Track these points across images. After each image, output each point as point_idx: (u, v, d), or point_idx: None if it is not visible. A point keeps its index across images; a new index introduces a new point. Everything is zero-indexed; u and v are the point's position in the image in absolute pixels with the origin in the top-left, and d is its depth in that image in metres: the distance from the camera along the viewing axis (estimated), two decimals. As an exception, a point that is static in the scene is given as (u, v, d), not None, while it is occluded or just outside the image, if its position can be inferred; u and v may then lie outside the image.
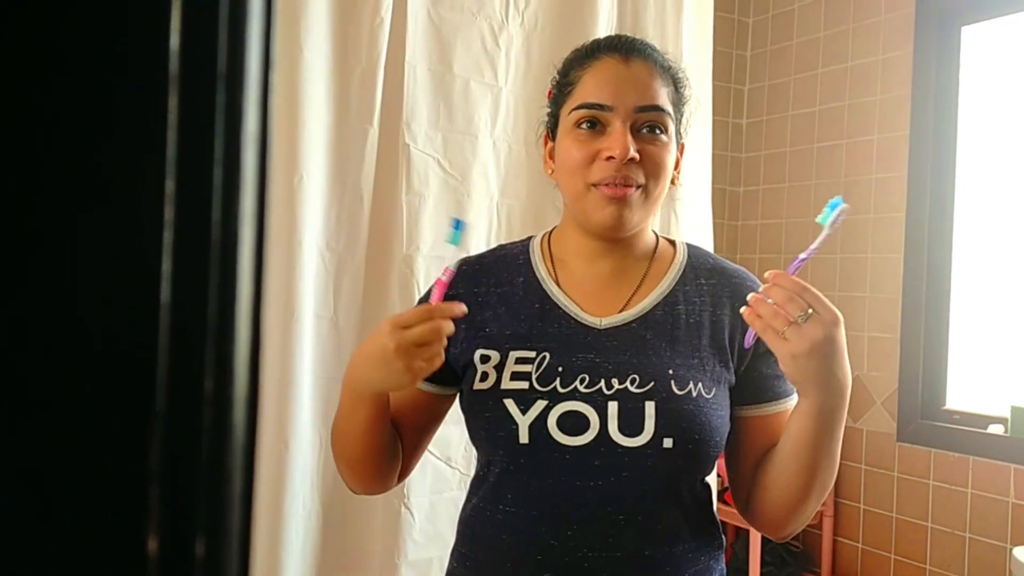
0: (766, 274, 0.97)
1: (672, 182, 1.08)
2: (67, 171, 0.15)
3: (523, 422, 1.01)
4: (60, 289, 0.15)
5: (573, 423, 1.00)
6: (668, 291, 1.09)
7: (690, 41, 2.27)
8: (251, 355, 0.19)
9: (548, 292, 1.09)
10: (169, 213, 0.16)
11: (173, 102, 0.16)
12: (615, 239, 1.08)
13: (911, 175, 2.94)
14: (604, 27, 2.13)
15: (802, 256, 1.00)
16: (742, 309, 0.97)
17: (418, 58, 1.91)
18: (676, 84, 1.09)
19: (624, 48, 1.06)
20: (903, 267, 2.95)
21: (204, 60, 0.17)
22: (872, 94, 3.08)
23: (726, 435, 1.05)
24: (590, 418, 1.00)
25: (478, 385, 1.06)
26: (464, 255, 1.06)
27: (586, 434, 1.00)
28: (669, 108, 1.05)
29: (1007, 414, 2.68)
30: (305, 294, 1.77)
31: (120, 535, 0.16)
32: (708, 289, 1.10)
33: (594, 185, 1.03)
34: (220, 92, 0.17)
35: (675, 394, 1.01)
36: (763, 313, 0.94)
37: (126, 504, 0.16)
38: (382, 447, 1.09)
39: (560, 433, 1.00)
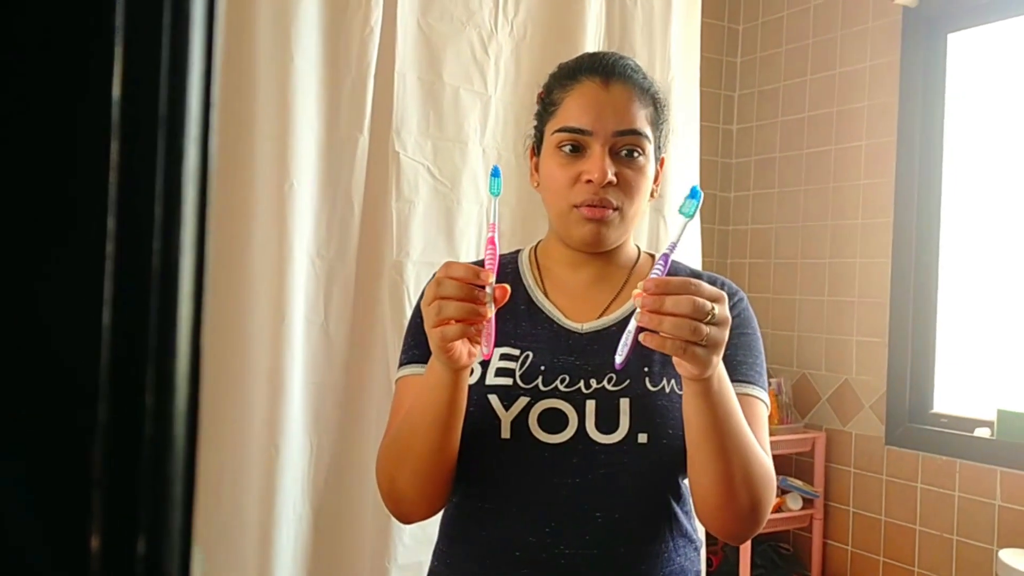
0: (642, 284, 0.86)
1: (651, 195, 1.12)
2: (19, 208, 0.17)
3: (505, 418, 1.04)
4: (12, 314, 0.17)
5: (553, 420, 1.04)
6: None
7: (678, 48, 2.29)
8: (191, 371, 0.20)
9: (534, 298, 1.14)
10: (110, 246, 0.18)
11: (115, 146, 0.18)
12: (600, 252, 1.13)
13: (898, 180, 2.97)
14: (593, 35, 2.15)
15: (666, 251, 0.91)
16: (642, 337, 0.87)
17: (408, 67, 1.93)
18: (655, 104, 1.12)
19: (605, 71, 1.09)
20: (891, 271, 2.98)
21: (145, 107, 0.19)
22: (860, 100, 3.11)
23: None
24: (569, 416, 1.04)
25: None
26: (495, 209, 1.01)
27: (565, 431, 1.04)
28: (647, 130, 1.08)
29: (993, 417, 2.70)
30: (296, 300, 1.79)
31: (64, 535, 0.18)
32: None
33: (575, 206, 1.07)
34: (161, 135, 0.19)
35: (649, 390, 1.04)
36: (667, 329, 0.84)
37: (70, 507, 0.18)
38: (451, 446, 1.03)
39: (540, 430, 1.04)
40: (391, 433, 1.10)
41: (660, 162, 1.14)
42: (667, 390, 1.05)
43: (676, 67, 2.29)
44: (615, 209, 1.06)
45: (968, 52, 2.92)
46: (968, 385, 2.89)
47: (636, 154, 1.07)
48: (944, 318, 2.93)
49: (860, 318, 3.08)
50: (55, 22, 0.17)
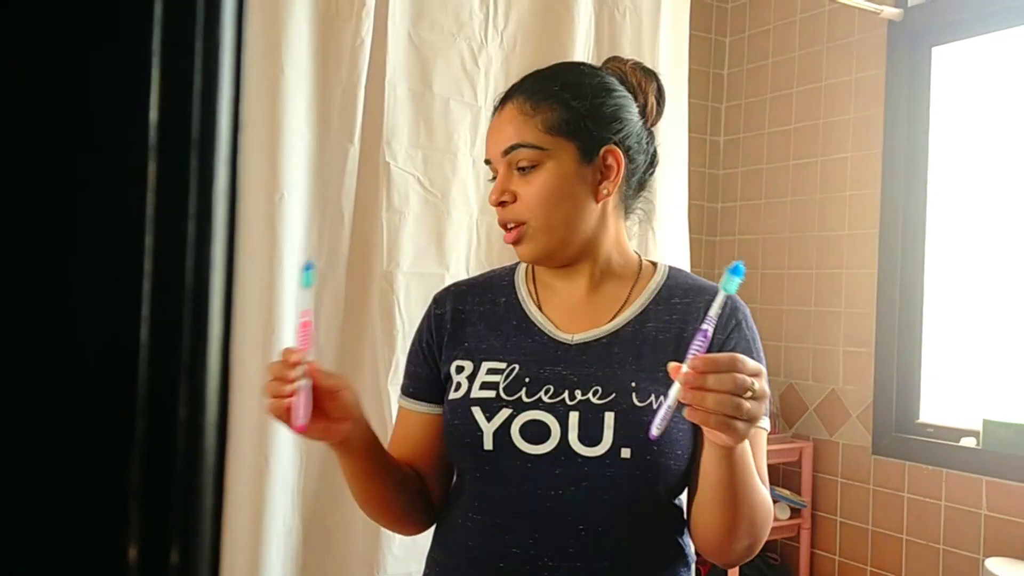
0: (690, 363, 0.86)
1: (602, 195, 1.10)
2: (65, 227, 0.17)
3: (487, 429, 1.05)
4: (55, 330, 0.17)
5: (535, 431, 1.04)
6: (640, 310, 1.12)
7: (666, 60, 2.31)
8: (221, 387, 0.21)
9: (526, 311, 1.14)
10: (148, 264, 0.19)
11: (152, 167, 0.19)
12: (563, 265, 1.14)
13: (884, 192, 2.99)
14: (582, 47, 2.17)
15: (705, 327, 0.89)
16: (685, 412, 0.86)
17: (398, 77, 1.94)
18: (567, 105, 1.08)
19: (505, 97, 1.13)
20: (877, 282, 3.00)
21: (179, 130, 0.19)
22: (846, 113, 3.14)
23: (690, 450, 1.06)
24: (551, 427, 1.04)
25: (451, 395, 1.11)
26: (310, 297, 1.10)
27: (547, 442, 1.04)
28: (536, 137, 1.07)
29: (979, 427, 2.72)
30: (286, 310, 1.79)
31: (103, 544, 0.18)
32: (681, 307, 1.12)
33: None
34: (194, 156, 0.20)
35: (635, 405, 1.04)
36: (710, 406, 0.84)
37: (109, 517, 0.18)
38: (389, 495, 1.13)
39: (523, 441, 1.04)
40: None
41: (604, 155, 1.09)
42: (654, 406, 1.04)
43: (664, 79, 2.30)
44: (520, 224, 1.08)
45: (953, 65, 2.96)
46: (954, 395, 2.91)
47: (526, 168, 1.07)
48: (930, 328, 2.96)
49: (846, 328, 3.10)
50: (102, 55, 0.18)
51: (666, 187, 2.27)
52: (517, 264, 1.23)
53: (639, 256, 1.19)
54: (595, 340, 1.10)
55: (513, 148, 1.08)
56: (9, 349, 0.17)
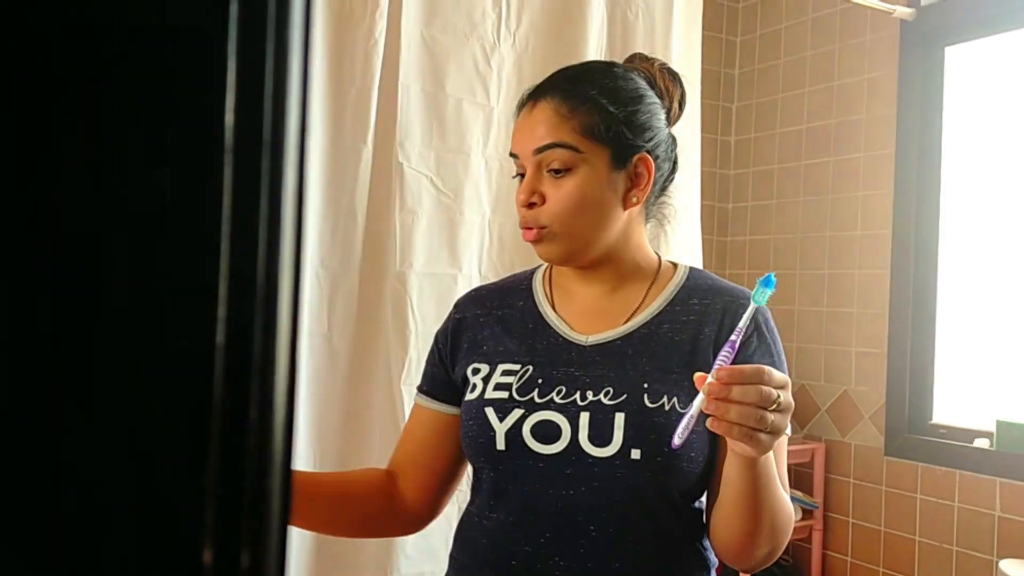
0: (715, 374, 0.86)
1: (631, 203, 1.09)
2: (145, 232, 0.17)
3: (500, 429, 1.06)
4: (140, 331, 0.17)
5: (546, 432, 1.05)
6: (657, 311, 1.11)
7: (679, 60, 2.30)
8: (288, 388, 0.21)
9: (542, 313, 1.15)
10: (224, 267, 0.19)
11: (228, 169, 0.19)
12: (583, 267, 1.13)
13: (897, 192, 2.98)
14: (594, 47, 2.17)
15: (733, 338, 0.91)
16: (708, 423, 0.87)
17: (411, 78, 1.94)
18: (602, 109, 1.07)
19: (536, 93, 1.11)
20: (889, 283, 2.99)
21: (252, 133, 0.19)
22: (858, 113, 3.13)
23: (705, 452, 1.05)
24: (562, 427, 1.04)
25: (467, 396, 1.13)
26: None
27: (558, 443, 1.04)
28: (572, 140, 1.05)
29: (992, 428, 2.71)
30: (300, 310, 1.79)
31: (182, 547, 0.18)
32: (699, 308, 1.11)
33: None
34: (265, 158, 0.20)
35: (646, 406, 1.03)
36: (733, 417, 0.84)
37: (187, 520, 0.18)
38: (339, 522, 1.22)
39: (534, 441, 1.05)
40: None
41: (636, 163, 1.09)
42: (666, 407, 1.02)
43: (677, 79, 2.30)
44: (543, 228, 1.06)
45: (966, 65, 2.94)
46: (967, 396, 2.90)
47: (559, 171, 1.05)
48: (943, 329, 2.94)
49: (859, 329, 3.09)
50: (182, 59, 0.18)
51: (678, 187, 2.26)
52: (537, 267, 1.24)
53: (659, 257, 1.18)
54: (609, 341, 1.09)
55: (548, 148, 1.05)
56: (95, 354, 0.17)
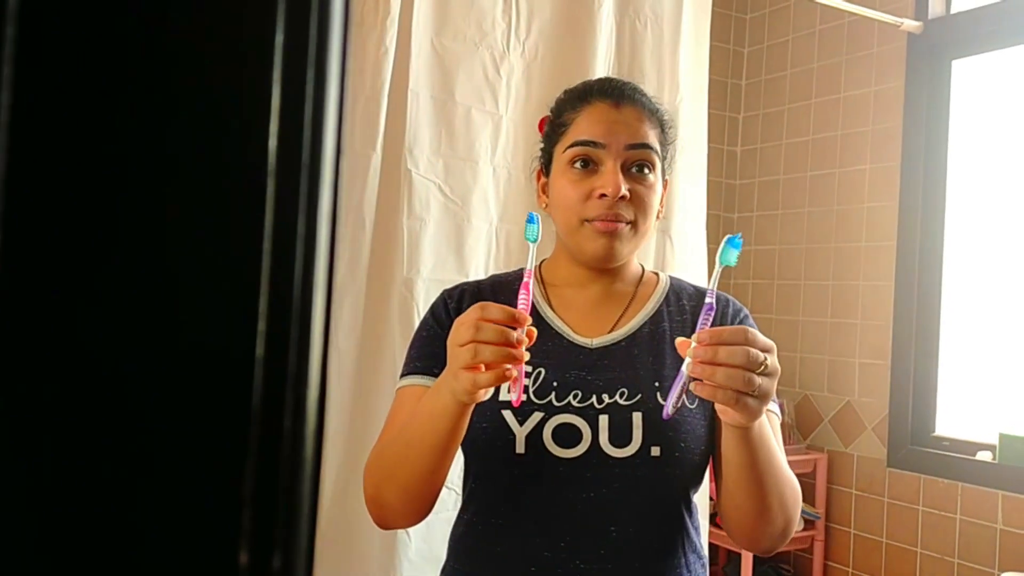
0: (698, 336, 0.86)
1: (656, 216, 1.15)
2: (194, 249, 0.18)
3: (520, 433, 1.05)
4: (187, 347, 0.18)
5: (567, 435, 1.05)
6: (654, 311, 1.15)
7: (687, 70, 2.32)
8: (319, 398, 0.22)
9: (543, 314, 1.15)
10: (265, 283, 0.20)
11: (271, 191, 0.20)
12: (604, 268, 1.14)
13: (902, 204, 2.99)
14: (603, 57, 2.18)
15: (709, 300, 0.90)
16: (693, 386, 0.87)
17: (421, 86, 1.95)
18: (663, 127, 1.15)
19: (615, 93, 1.12)
20: (894, 294, 3.00)
21: (293, 156, 0.20)
22: (864, 125, 3.14)
23: (712, 440, 1.08)
24: (583, 430, 1.05)
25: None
26: (532, 254, 1.01)
27: (579, 446, 1.05)
28: (657, 147, 1.12)
29: (995, 441, 2.71)
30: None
31: (222, 550, 0.19)
32: (691, 308, 1.16)
33: (588, 220, 1.09)
34: (303, 181, 0.21)
35: (661, 404, 1.05)
36: (720, 380, 0.84)
37: (226, 524, 0.19)
38: (444, 469, 1.03)
39: (555, 445, 1.05)
40: (384, 442, 1.09)
41: (664, 185, 1.17)
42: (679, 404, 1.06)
43: (685, 89, 2.32)
44: (628, 223, 1.08)
45: (972, 78, 2.95)
46: (970, 408, 2.91)
47: (647, 170, 1.10)
48: (947, 341, 2.95)
49: (863, 340, 3.10)
50: (233, 86, 0.19)
51: (684, 197, 2.27)
52: (522, 269, 1.23)
53: (641, 265, 1.23)
54: (614, 344, 1.11)
55: (644, 146, 1.10)
56: (147, 366, 0.18)
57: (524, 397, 1.02)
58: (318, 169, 0.21)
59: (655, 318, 1.14)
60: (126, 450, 0.19)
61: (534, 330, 0.91)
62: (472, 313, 0.89)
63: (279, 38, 0.19)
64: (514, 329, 0.88)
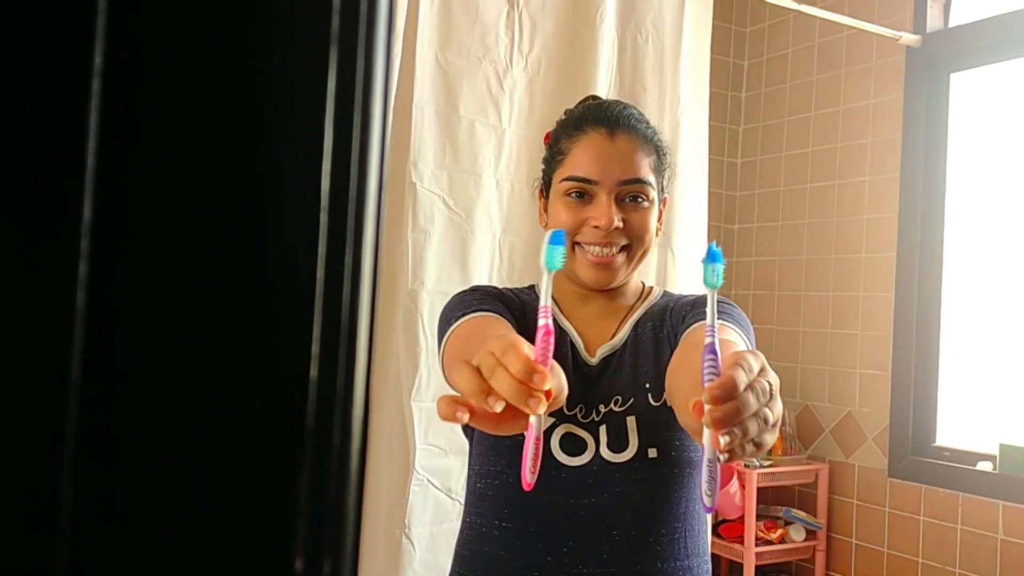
0: (709, 395, 0.69)
1: (656, 233, 1.17)
2: (257, 278, 0.20)
3: None
4: (250, 369, 0.20)
5: (572, 444, 1.08)
6: (640, 317, 1.18)
7: (687, 83, 2.34)
8: (364, 415, 0.24)
9: (558, 320, 1.16)
10: (318, 309, 0.21)
11: (323, 226, 0.22)
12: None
13: (902, 215, 3.01)
14: (605, 71, 2.20)
15: (709, 340, 0.75)
16: (723, 459, 0.71)
17: (425, 100, 1.98)
18: (658, 151, 1.17)
19: (610, 122, 1.14)
20: (894, 305, 3.01)
21: (342, 193, 0.22)
22: (863, 137, 3.16)
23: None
24: (587, 441, 1.08)
25: None
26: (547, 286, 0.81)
27: (583, 455, 1.08)
28: (651, 177, 1.13)
29: (995, 451, 2.73)
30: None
31: (280, 557, 0.21)
32: (677, 309, 1.16)
33: (580, 244, 1.11)
34: (351, 216, 0.22)
35: (652, 406, 1.08)
36: (740, 435, 0.70)
37: (285, 532, 0.21)
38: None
39: (561, 452, 1.08)
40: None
41: (663, 202, 1.19)
42: (669, 403, 1.06)
43: (685, 102, 2.34)
44: (623, 249, 1.11)
45: (970, 91, 2.98)
46: (971, 419, 2.92)
47: (640, 199, 1.12)
48: (947, 351, 2.96)
49: (863, 351, 3.11)
50: (294, 137, 0.21)
51: (686, 209, 2.29)
52: (531, 286, 1.26)
53: (643, 284, 1.26)
54: (611, 355, 1.15)
55: (636, 181, 1.11)
56: (214, 386, 0.19)
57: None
58: (364, 204, 0.23)
59: (641, 321, 1.17)
60: (198, 463, 0.20)
61: (551, 392, 0.74)
62: (495, 349, 0.74)
63: (331, 84, 0.21)
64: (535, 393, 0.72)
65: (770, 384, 0.75)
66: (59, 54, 0.18)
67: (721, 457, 0.71)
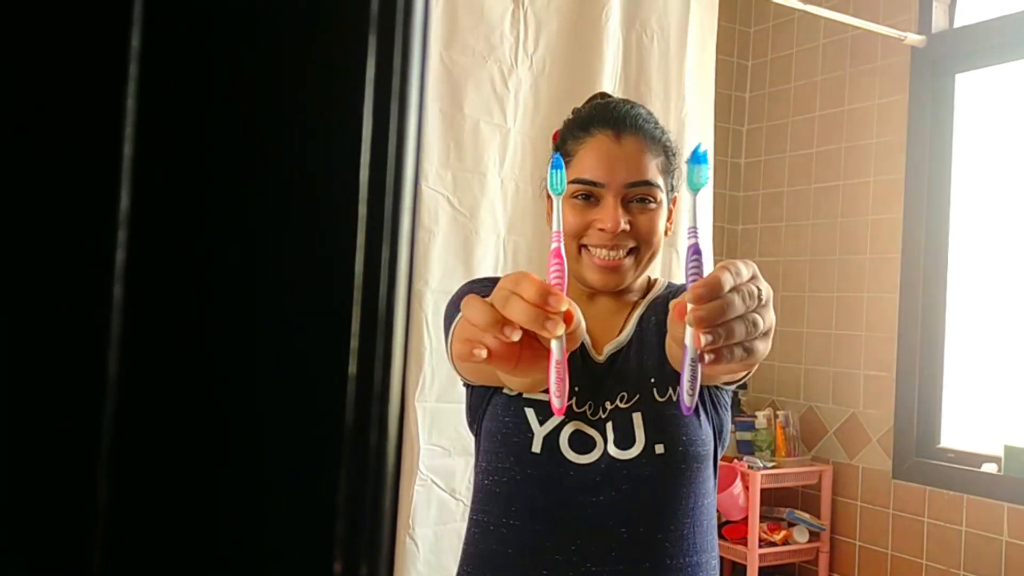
0: (692, 294, 0.66)
1: (665, 233, 1.16)
2: (299, 278, 0.20)
3: (539, 432, 1.07)
4: (292, 368, 0.19)
5: (581, 443, 1.07)
6: (643, 311, 1.17)
7: (692, 83, 2.34)
8: (399, 413, 0.23)
9: None
10: (357, 306, 0.21)
11: (362, 226, 0.21)
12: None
13: (906, 216, 3.00)
14: (610, 71, 2.20)
15: (692, 241, 0.71)
16: (707, 363, 0.68)
17: (430, 99, 1.97)
18: (667, 151, 1.15)
19: (616, 124, 1.13)
20: (898, 306, 3.01)
21: (379, 184, 0.22)
22: (868, 137, 3.15)
23: (713, 436, 1.10)
24: (596, 439, 1.07)
25: (505, 389, 1.11)
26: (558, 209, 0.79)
27: (592, 453, 1.07)
28: (658, 179, 1.12)
29: (1000, 453, 2.72)
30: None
31: (319, 559, 0.20)
32: (677, 294, 1.15)
33: (585, 247, 1.10)
34: (387, 218, 0.22)
35: (657, 401, 1.08)
36: (726, 339, 0.67)
37: (324, 533, 0.20)
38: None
39: (569, 450, 1.07)
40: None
41: (673, 201, 1.18)
42: (674, 398, 1.07)
43: (690, 102, 2.34)
44: (630, 251, 1.10)
45: (975, 92, 2.97)
46: (975, 420, 2.91)
47: (648, 201, 1.11)
48: (952, 353, 2.96)
49: (868, 352, 3.11)
50: (336, 126, 0.20)
51: (688, 209, 2.29)
52: None
53: (648, 276, 1.24)
54: (617, 352, 1.14)
55: (644, 184, 1.10)
56: (257, 387, 0.19)
57: (547, 398, 0.79)
58: (400, 196, 0.22)
59: (644, 315, 1.16)
60: (237, 462, 0.20)
61: (571, 312, 0.71)
62: (508, 283, 0.71)
63: (369, 89, 0.21)
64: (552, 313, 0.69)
65: (760, 290, 0.71)
66: (96, 38, 0.17)
67: (706, 357, 0.68)
